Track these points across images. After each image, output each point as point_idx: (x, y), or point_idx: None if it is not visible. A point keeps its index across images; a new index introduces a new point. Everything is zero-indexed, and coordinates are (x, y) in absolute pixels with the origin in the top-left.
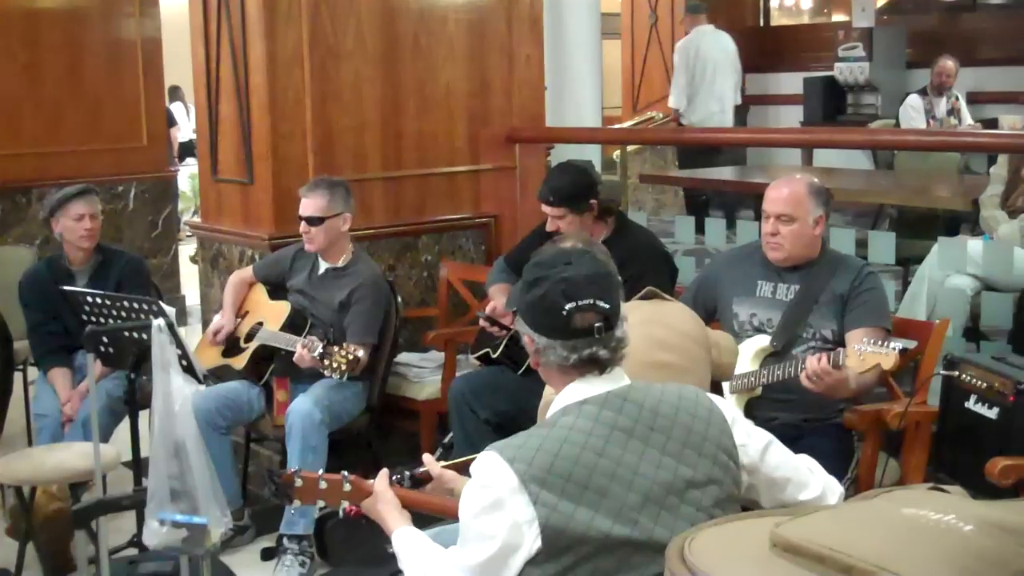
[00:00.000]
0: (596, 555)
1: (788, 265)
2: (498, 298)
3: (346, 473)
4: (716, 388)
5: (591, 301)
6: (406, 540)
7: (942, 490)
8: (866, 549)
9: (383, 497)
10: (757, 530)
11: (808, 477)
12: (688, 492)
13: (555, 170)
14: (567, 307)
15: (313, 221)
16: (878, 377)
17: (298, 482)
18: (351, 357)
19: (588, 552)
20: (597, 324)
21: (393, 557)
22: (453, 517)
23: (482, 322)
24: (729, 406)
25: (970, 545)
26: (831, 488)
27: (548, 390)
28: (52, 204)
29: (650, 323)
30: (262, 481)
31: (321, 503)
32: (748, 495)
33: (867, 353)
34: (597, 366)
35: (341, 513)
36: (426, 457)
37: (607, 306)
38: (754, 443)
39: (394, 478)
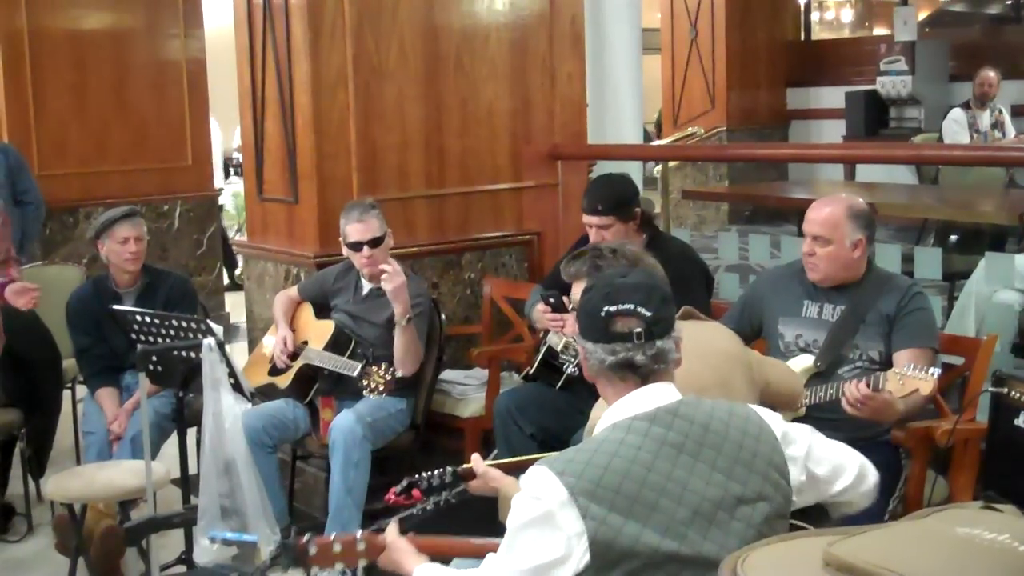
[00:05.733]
0: (644, 571)
1: (828, 285)
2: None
3: (359, 533)
4: None
5: (632, 307)
6: (430, 573)
7: (995, 509)
8: (920, 569)
9: (396, 546)
10: (810, 548)
11: (846, 458)
12: (738, 508)
13: (596, 181)
14: (606, 309)
15: (377, 242)
16: (927, 400)
17: (312, 549)
18: (388, 377)
19: (636, 568)
20: (637, 330)
21: None
22: (471, 557)
23: (542, 314)
24: (777, 419)
25: None
26: (867, 468)
27: (595, 411)
28: (97, 227)
29: (688, 344)
30: (308, 497)
31: (340, 565)
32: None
33: (907, 377)
34: (634, 372)
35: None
36: (474, 456)
37: (648, 314)
38: (799, 450)
39: (437, 472)
